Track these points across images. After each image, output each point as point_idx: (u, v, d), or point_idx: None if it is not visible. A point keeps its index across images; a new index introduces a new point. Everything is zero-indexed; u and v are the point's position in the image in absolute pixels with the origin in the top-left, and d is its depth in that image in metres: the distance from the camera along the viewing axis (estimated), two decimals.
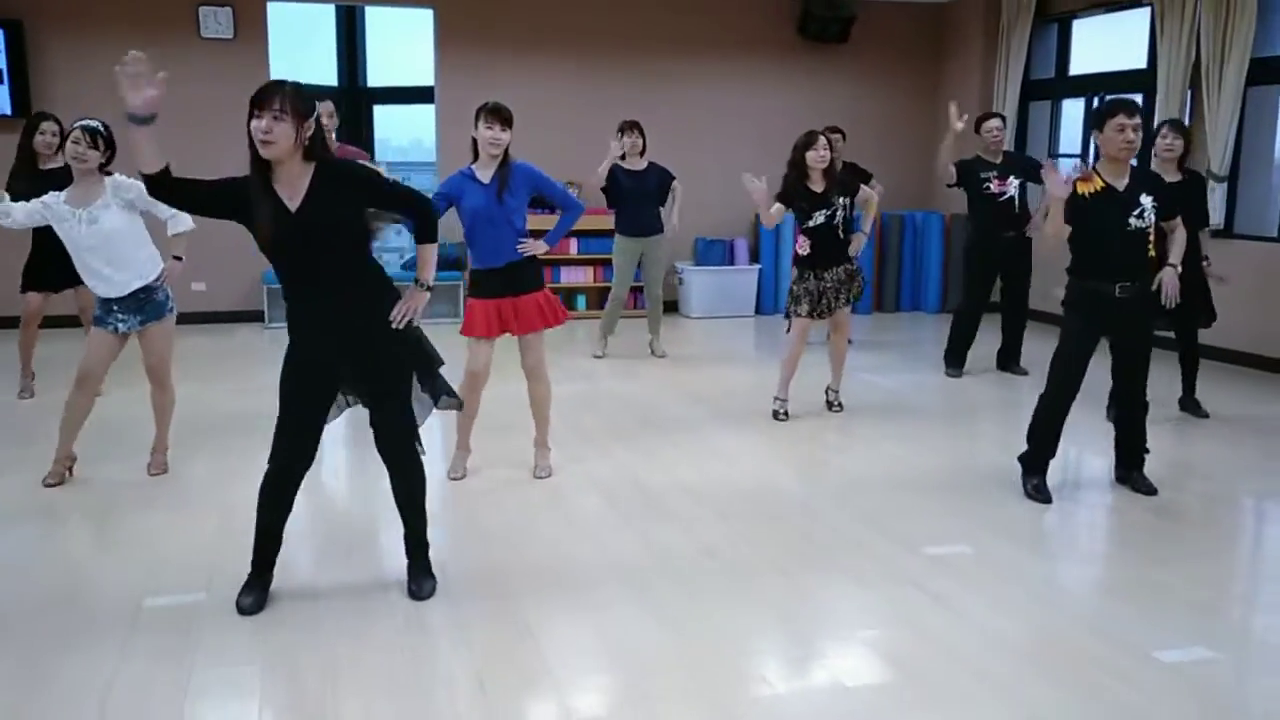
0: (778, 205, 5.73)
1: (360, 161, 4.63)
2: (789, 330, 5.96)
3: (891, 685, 3.05)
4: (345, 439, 5.38)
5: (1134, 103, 4.47)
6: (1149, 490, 4.67)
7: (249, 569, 3.50)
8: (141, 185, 4.46)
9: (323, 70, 10.17)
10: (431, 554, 3.69)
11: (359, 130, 10.26)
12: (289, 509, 3.48)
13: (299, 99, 3.14)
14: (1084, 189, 4.43)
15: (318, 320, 3.35)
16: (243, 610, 3.40)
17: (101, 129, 4.53)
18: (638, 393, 6.75)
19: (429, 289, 3.51)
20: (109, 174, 4.57)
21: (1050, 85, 9.61)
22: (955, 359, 7.30)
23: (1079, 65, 9.45)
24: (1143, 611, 3.56)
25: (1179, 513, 4.58)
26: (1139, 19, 8.56)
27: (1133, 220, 4.40)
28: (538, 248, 4.70)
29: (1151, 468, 4.79)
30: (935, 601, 3.59)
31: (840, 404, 6.15)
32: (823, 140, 5.68)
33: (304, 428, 3.40)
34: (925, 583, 3.74)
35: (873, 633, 3.38)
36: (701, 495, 4.69)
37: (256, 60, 8.86)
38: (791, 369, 5.97)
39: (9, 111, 8.29)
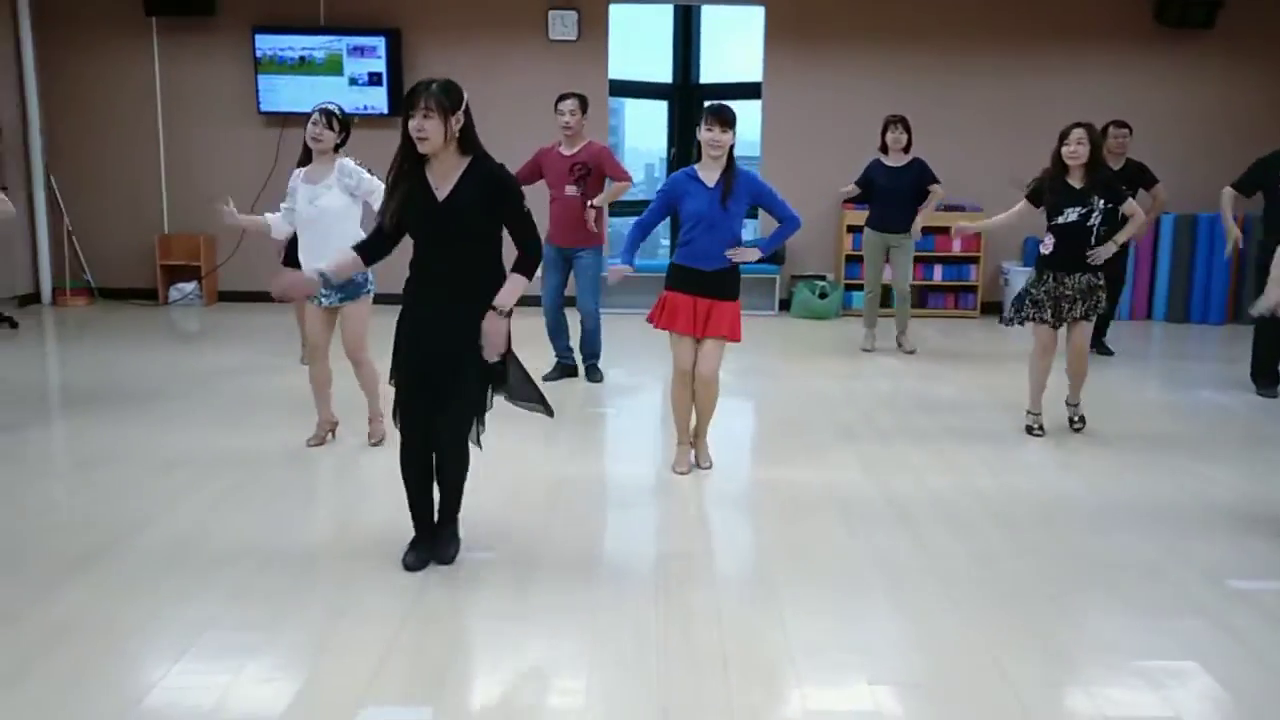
0: (1022, 203, 5.47)
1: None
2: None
3: None
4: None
5: None
6: None
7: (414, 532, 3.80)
8: (370, 178, 4.85)
9: (659, 68, 10.60)
10: (711, 538, 3.81)
11: (689, 125, 10.61)
12: (431, 474, 3.73)
13: (445, 96, 3.43)
14: None
15: (432, 298, 3.58)
16: (408, 567, 3.70)
17: (338, 111, 4.87)
18: (944, 393, 6.58)
19: (507, 315, 3.57)
20: (342, 156, 4.92)
21: None
22: (1265, 377, 6.55)
23: None
24: None
25: None
26: None
27: None
28: (749, 255, 4.67)
29: None
30: (1232, 638, 3.28)
31: (1082, 419, 5.65)
32: (1076, 134, 5.26)
33: (415, 400, 3.62)
34: (1223, 617, 3.42)
35: (1149, 664, 3.14)
36: (990, 502, 4.52)
37: (597, 60, 9.42)
38: (1043, 380, 5.58)
39: (386, 111, 9.30)
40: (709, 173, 4.62)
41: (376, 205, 4.87)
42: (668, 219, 5.11)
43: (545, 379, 6.48)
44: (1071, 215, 5.31)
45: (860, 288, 9.55)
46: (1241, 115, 9.22)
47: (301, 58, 9.34)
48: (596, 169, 6.45)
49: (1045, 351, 5.54)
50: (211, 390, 6.39)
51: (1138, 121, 7.64)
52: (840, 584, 3.69)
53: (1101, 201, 5.31)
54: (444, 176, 3.54)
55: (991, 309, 9.57)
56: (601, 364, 6.78)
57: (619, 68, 9.63)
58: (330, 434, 5.27)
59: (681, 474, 4.85)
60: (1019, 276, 9.31)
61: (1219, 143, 8.86)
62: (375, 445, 5.18)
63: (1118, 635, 3.34)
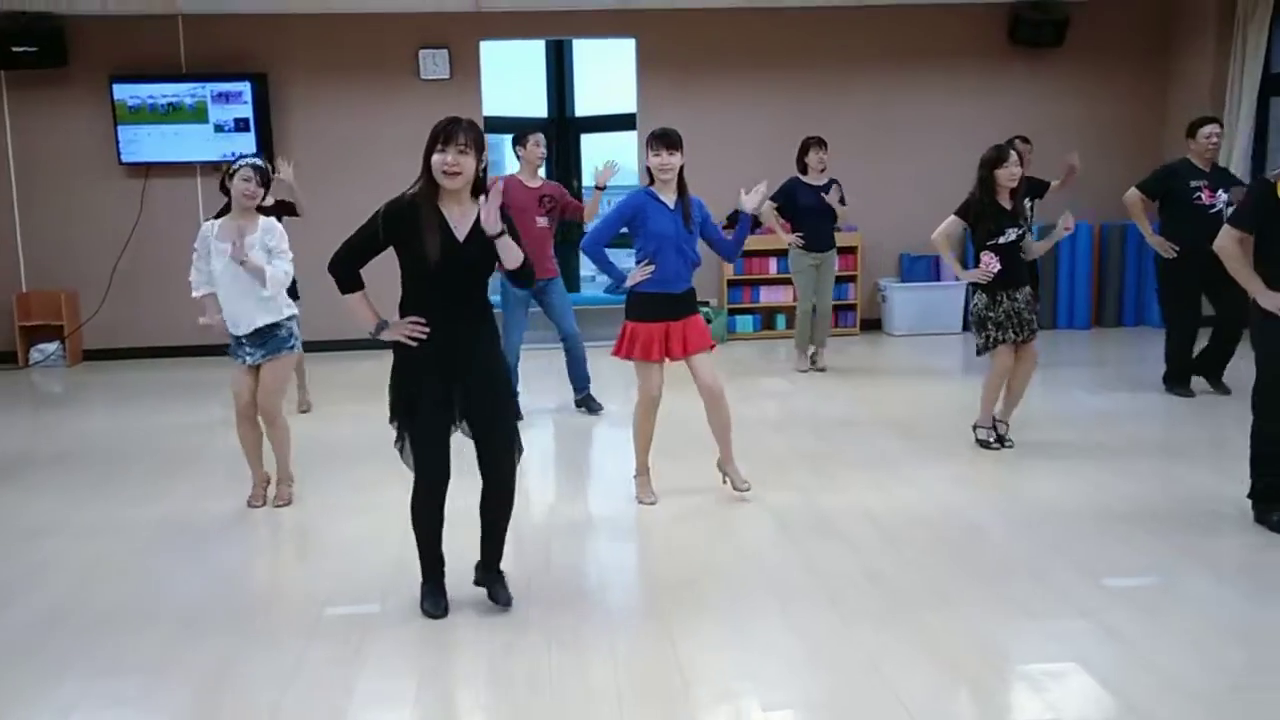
0: (952, 219, 5.54)
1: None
2: (980, 354, 5.63)
3: None
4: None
5: None
6: None
7: (423, 581, 3.72)
8: (280, 230, 4.75)
9: (533, 102, 10.61)
10: (603, 572, 3.84)
11: (568, 158, 10.64)
12: (443, 519, 3.66)
13: (479, 134, 3.41)
14: None
15: (451, 342, 3.50)
16: (431, 615, 3.62)
17: (263, 165, 4.77)
18: (832, 413, 6.67)
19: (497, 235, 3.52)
20: (263, 212, 4.84)
21: None
22: (1179, 379, 6.80)
23: None
24: None
25: None
26: None
27: None
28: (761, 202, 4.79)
29: None
30: (1110, 636, 3.38)
31: (1012, 440, 5.68)
32: (1014, 156, 5.41)
33: (440, 440, 3.55)
34: (1100, 616, 3.52)
35: (1032, 667, 3.21)
36: (879, 519, 4.58)
37: (470, 97, 9.36)
38: (997, 395, 5.67)
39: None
40: (666, 195, 4.65)
41: (284, 266, 4.75)
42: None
43: None
44: (1012, 235, 5.41)
45: (745, 312, 9.72)
46: (1090, 128, 9.63)
47: (171, 104, 9.08)
48: (561, 204, 6.49)
49: (1007, 370, 5.57)
50: (78, 454, 6.11)
51: (999, 136, 7.90)
52: (731, 609, 3.68)
53: (1024, 220, 5.49)
54: (461, 216, 3.47)
55: (871, 326, 9.78)
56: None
57: (493, 104, 9.60)
58: (265, 492, 5.02)
59: (650, 504, 4.83)
60: (897, 294, 9.57)
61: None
62: (282, 507, 4.94)
63: (1002, 640, 3.41)
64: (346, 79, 9.28)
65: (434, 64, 9.38)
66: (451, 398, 3.56)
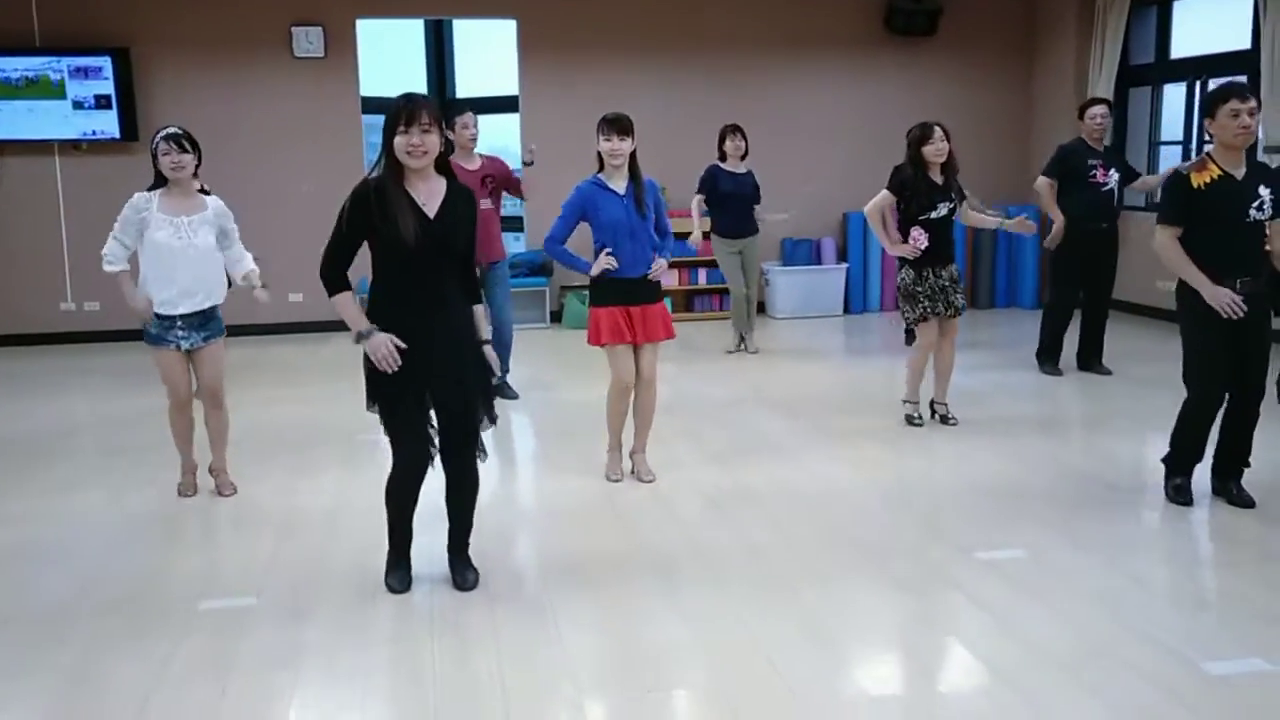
0: (885, 194, 5.60)
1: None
2: (909, 342, 5.77)
3: (918, 696, 2.98)
4: None
5: (1245, 86, 4.22)
6: (1246, 503, 4.38)
7: (391, 555, 3.75)
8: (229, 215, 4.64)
9: (413, 83, 10.41)
10: (487, 558, 3.82)
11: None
12: (417, 500, 3.68)
13: (438, 110, 3.35)
14: (1199, 180, 4.19)
15: (427, 329, 3.44)
16: (394, 590, 3.66)
17: (183, 133, 4.47)
18: (718, 395, 6.72)
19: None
20: (206, 193, 4.61)
21: (1150, 70, 9.22)
22: (1050, 357, 7.06)
23: (1180, 48, 9.05)
24: (1204, 622, 3.41)
25: (1274, 519, 4.31)
26: None
27: (1253, 211, 4.18)
28: (663, 271, 4.71)
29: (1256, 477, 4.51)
30: (979, 608, 3.49)
31: (955, 417, 5.82)
32: (939, 132, 5.48)
33: (420, 427, 3.54)
34: (971, 589, 3.64)
35: (906, 639, 3.30)
36: (762, 498, 4.64)
37: (347, 76, 9.13)
38: (923, 371, 5.77)
39: (118, 135, 8.71)
40: (616, 181, 4.60)
41: (232, 251, 4.64)
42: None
43: None
44: (943, 210, 5.52)
45: None
46: (961, 115, 9.84)
47: (28, 79, 8.60)
48: (502, 182, 6.33)
49: (932, 345, 5.70)
50: None
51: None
52: (616, 591, 3.69)
53: (954, 195, 5.59)
54: (429, 194, 3.40)
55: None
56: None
57: (371, 84, 9.37)
58: (195, 478, 4.83)
59: (616, 481, 4.85)
60: (779, 277, 9.69)
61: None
62: (229, 496, 4.77)
63: (879, 615, 3.49)
64: (215, 55, 8.93)
65: (308, 41, 9.09)
66: (428, 390, 3.52)
